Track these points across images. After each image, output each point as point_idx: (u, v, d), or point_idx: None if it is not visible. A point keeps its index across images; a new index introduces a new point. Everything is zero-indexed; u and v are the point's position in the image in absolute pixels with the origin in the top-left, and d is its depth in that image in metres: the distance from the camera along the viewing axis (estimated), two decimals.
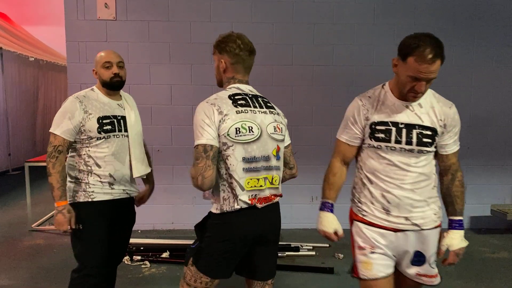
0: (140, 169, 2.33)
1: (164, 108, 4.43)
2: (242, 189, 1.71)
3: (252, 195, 1.73)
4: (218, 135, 1.68)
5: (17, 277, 3.38)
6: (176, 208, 4.56)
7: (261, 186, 1.75)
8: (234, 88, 1.81)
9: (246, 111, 1.73)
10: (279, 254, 3.74)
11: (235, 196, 1.71)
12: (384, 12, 4.43)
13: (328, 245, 4.00)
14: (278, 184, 1.83)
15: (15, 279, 3.34)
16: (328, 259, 3.76)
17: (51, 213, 5.00)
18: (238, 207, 1.71)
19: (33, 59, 8.23)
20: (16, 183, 6.89)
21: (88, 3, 4.24)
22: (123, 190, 2.30)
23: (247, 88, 1.83)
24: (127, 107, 2.34)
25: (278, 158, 1.82)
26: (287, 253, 3.79)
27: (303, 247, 3.90)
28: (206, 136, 1.66)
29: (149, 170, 2.42)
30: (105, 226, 2.25)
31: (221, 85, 1.89)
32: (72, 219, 2.15)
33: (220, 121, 1.67)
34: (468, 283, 3.34)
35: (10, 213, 5.16)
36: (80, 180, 2.21)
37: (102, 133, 2.18)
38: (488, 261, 3.80)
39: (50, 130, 2.18)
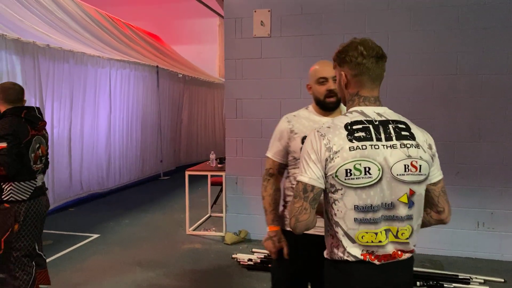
0: None
1: None
2: (353, 241, 1.41)
3: (365, 250, 1.41)
4: (325, 174, 1.41)
5: (184, 279, 3.65)
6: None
7: (380, 241, 1.40)
8: (356, 112, 1.47)
9: (363, 147, 1.39)
10: (445, 285, 3.40)
11: (343, 247, 1.42)
12: None
13: (503, 280, 3.49)
14: (408, 238, 1.44)
15: (182, 281, 3.62)
16: None
17: (203, 219, 5.39)
18: (346, 259, 1.42)
19: (181, 75, 9.11)
20: (167, 188, 7.62)
21: (245, 23, 4.47)
22: None
23: (373, 112, 1.47)
24: None
25: (410, 205, 1.42)
26: (454, 284, 3.40)
27: (473, 280, 3.46)
28: (309, 174, 1.41)
29: None
30: (290, 264, 2.00)
31: (346, 103, 1.57)
32: (285, 248, 1.98)
33: (327, 160, 1.39)
34: None
35: (168, 216, 5.67)
36: (286, 205, 2.04)
37: None
38: None
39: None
